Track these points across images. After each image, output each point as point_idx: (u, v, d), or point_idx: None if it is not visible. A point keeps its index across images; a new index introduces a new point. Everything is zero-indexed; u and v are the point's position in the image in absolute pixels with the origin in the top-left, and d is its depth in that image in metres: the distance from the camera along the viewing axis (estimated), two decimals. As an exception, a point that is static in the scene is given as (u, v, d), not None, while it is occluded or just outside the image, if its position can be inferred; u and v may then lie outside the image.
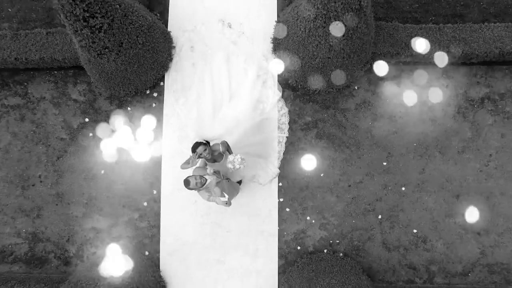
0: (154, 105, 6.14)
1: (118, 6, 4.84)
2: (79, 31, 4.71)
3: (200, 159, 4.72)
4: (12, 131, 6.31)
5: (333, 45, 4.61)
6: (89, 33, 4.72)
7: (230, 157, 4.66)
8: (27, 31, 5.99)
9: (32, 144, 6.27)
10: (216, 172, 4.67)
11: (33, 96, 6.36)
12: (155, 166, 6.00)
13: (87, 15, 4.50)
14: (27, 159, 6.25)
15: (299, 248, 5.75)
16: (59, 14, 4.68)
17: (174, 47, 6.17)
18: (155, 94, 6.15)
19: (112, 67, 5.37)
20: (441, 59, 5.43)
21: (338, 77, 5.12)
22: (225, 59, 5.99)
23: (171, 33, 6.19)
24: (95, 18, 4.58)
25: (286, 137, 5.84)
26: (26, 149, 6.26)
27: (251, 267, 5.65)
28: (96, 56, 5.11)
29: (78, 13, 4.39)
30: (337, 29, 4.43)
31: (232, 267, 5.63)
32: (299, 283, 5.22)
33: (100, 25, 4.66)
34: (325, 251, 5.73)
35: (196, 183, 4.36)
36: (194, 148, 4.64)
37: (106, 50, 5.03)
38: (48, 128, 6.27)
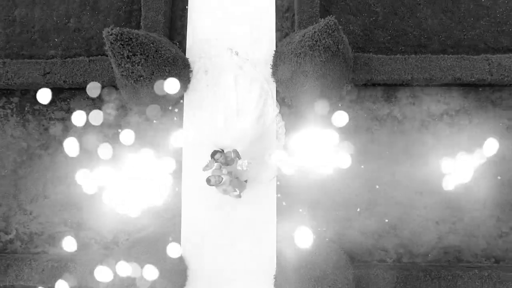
0: (175, 118, 7.53)
1: (152, 44, 6.24)
2: (122, 65, 6.11)
3: (217, 163, 6.10)
4: (59, 139, 7.70)
5: (317, 76, 6.01)
6: (130, 67, 6.12)
7: (239, 162, 6.07)
8: (73, 58, 7.39)
9: (74, 150, 7.63)
10: (229, 173, 6.06)
11: (75, 110, 7.74)
12: (177, 167, 7.38)
13: (131, 54, 5.91)
14: (71, 162, 7.63)
15: (292, 234, 7.14)
16: (108, 53, 6.08)
17: (191, 71, 7.56)
18: (176, 110, 7.54)
19: (144, 90, 6.76)
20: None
21: (323, 106, 6.50)
22: (234, 81, 7.38)
23: (189, 59, 7.59)
24: (135, 56, 5.98)
25: (283, 145, 7.24)
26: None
27: (255, 249, 7.04)
28: (132, 82, 6.51)
29: (124, 54, 5.79)
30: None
31: (240, 249, 7.02)
32: (292, 260, 6.61)
33: (139, 60, 6.07)
34: (313, 236, 7.12)
35: (215, 181, 5.76)
36: (213, 155, 6.03)
37: (141, 78, 6.43)
38: (88, 136, 7.65)
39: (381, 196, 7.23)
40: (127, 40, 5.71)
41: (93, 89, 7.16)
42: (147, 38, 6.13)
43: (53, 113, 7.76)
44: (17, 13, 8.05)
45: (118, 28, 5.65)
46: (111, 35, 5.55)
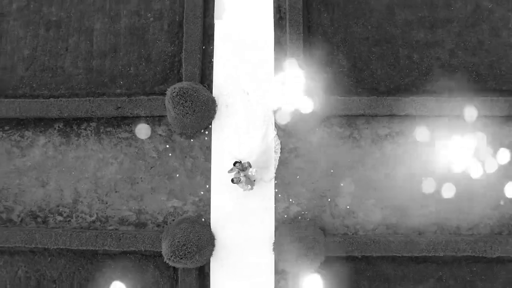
0: (206, 138, 11.02)
1: (195, 94, 9.75)
2: (177, 108, 9.61)
3: (237, 169, 9.59)
4: (124, 152, 11.17)
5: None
6: (182, 109, 9.62)
7: (250, 169, 9.60)
8: (136, 97, 10.85)
9: (135, 159, 11.13)
10: (244, 176, 9.56)
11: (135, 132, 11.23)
12: (208, 171, 10.87)
13: (184, 102, 9.40)
14: (133, 168, 11.11)
15: (285, 216, 10.69)
16: (167, 101, 9.55)
17: (217, 105, 11.07)
18: (206, 132, 11.04)
19: (188, 120, 10.25)
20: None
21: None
22: (245, 113, 10.88)
23: (214, 98, 11.09)
24: (187, 103, 9.49)
25: (279, 156, 10.75)
26: (132, 162, 11.12)
27: (260, 228, 10.55)
28: (182, 117, 9.99)
29: (180, 102, 9.29)
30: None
31: (248, 227, 10.53)
32: (285, 233, 10.13)
33: (189, 105, 9.57)
34: (299, 217, 10.67)
35: (236, 181, 9.26)
36: (234, 164, 9.52)
37: (187, 114, 9.92)
38: (145, 150, 11.14)
39: (344, 192, 10.75)
40: (182, 94, 9.23)
41: (143, 129, 10.74)
42: (193, 89, 9.64)
43: (119, 134, 11.23)
44: (94, 63, 11.52)
45: (178, 87, 9.15)
46: (174, 93, 9.06)
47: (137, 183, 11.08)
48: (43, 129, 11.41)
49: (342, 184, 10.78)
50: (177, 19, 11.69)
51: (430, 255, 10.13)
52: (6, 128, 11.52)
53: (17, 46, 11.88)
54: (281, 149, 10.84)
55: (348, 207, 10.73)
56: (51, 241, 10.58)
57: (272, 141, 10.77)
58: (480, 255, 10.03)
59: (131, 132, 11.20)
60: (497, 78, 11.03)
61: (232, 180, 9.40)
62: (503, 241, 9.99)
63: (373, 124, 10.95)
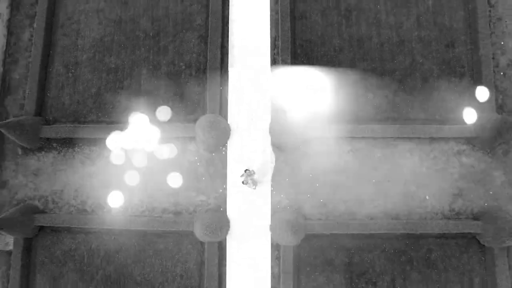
0: (223, 153, 15.76)
1: (217, 124, 14.49)
2: (204, 133, 14.38)
3: (245, 175, 14.33)
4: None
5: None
6: (207, 134, 14.39)
7: (255, 176, 14.40)
8: (175, 124, 15.58)
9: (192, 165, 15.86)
10: (251, 179, 14.31)
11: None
12: (224, 176, 15.61)
13: (209, 135, 14.19)
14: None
15: (278, 206, 15.44)
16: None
17: (231, 130, 15.79)
18: (224, 148, 15.76)
19: (211, 141, 14.96)
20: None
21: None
22: (251, 136, 15.64)
23: (229, 125, 15.81)
24: (211, 129, 14.26)
25: (274, 166, 15.51)
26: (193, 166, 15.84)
27: (260, 215, 15.32)
28: (207, 139, 14.72)
29: (208, 133, 14.06)
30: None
31: (252, 214, 15.30)
32: (278, 218, 14.91)
33: (211, 133, 14.33)
34: (287, 207, 15.43)
35: (245, 182, 14.03)
36: (244, 171, 14.27)
37: (211, 137, 14.66)
38: (181, 161, 15.86)
39: (319, 190, 15.52)
40: (208, 123, 13.98)
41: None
42: (215, 120, 14.40)
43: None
44: (142, 99, 16.21)
45: (205, 119, 13.90)
46: (203, 123, 13.82)
47: (174, 183, 15.81)
48: (105, 145, 16.09)
49: (317, 185, 15.56)
50: (201, 67, 16.44)
51: (376, 232, 14.93)
52: (80, 145, 16.22)
53: (87, 85, 16.59)
54: (275, 160, 15.62)
55: (321, 200, 15.51)
56: (116, 224, 15.29)
57: (269, 155, 15.55)
58: (410, 232, 14.84)
59: (171, 148, 15.91)
60: (425, 111, 15.88)
61: (242, 182, 14.18)
62: (424, 223, 14.81)
63: (340, 143, 15.74)
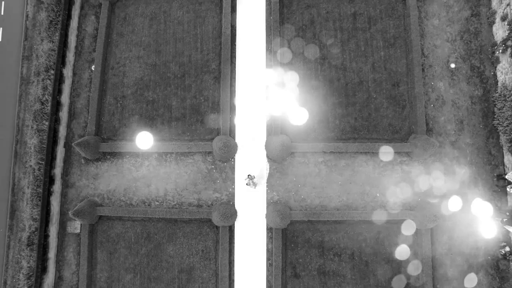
0: (232, 163, 21.93)
1: (228, 142, 20.70)
2: (219, 150, 20.59)
3: (248, 178, 20.47)
4: (190, 169, 22.05)
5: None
6: (222, 150, 20.57)
7: (255, 179, 20.59)
8: (196, 142, 21.77)
9: (196, 173, 22.01)
10: (252, 181, 20.44)
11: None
12: (233, 180, 21.76)
13: (223, 151, 20.40)
14: (195, 177, 21.98)
15: (271, 201, 21.63)
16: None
17: (238, 147, 21.96)
18: (233, 160, 21.95)
19: (224, 155, 21.15)
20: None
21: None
22: (252, 150, 21.84)
23: (237, 143, 21.99)
24: (225, 147, 20.48)
25: (268, 172, 21.68)
26: (194, 175, 21.99)
27: (258, 207, 21.50)
28: (221, 153, 20.91)
29: (222, 150, 20.27)
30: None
31: (253, 206, 21.48)
32: (271, 209, 21.17)
33: (225, 149, 20.54)
34: (277, 201, 21.63)
35: (248, 184, 20.17)
36: (248, 175, 20.41)
37: (224, 153, 20.86)
38: (201, 169, 22.00)
39: (301, 189, 21.70)
40: (222, 143, 20.18)
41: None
42: (227, 140, 20.59)
43: (188, 160, 22.16)
44: (173, 124, 22.39)
45: (220, 140, 20.13)
46: (219, 142, 20.03)
47: (197, 184, 21.97)
48: (147, 156, 22.22)
49: (299, 185, 21.75)
50: (216, 101, 22.60)
51: (341, 219, 21.10)
52: (127, 156, 22.34)
53: (131, 113, 22.72)
54: (269, 168, 21.81)
55: (302, 196, 21.69)
56: (155, 214, 21.41)
57: (265, 165, 21.75)
58: (365, 219, 21.01)
59: (193, 156, 22.09)
60: (376, 133, 22.13)
61: (246, 184, 20.36)
62: (375, 213, 20.98)
63: (315, 156, 21.94)
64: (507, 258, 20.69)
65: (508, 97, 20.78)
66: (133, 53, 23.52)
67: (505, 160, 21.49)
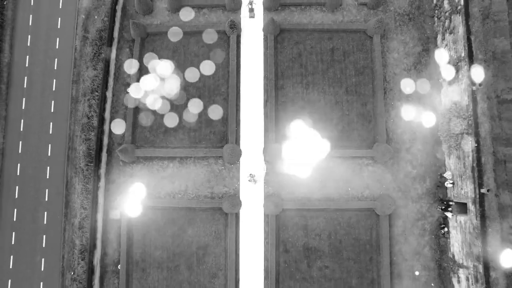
0: (238, 164, 28.52)
1: (234, 149, 27.31)
2: (228, 155, 27.19)
3: (250, 176, 27.03)
4: (205, 169, 28.61)
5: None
6: (230, 155, 27.17)
7: (255, 177, 27.22)
8: (211, 149, 28.40)
9: (210, 172, 28.61)
10: (253, 178, 26.99)
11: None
12: (238, 177, 28.33)
13: (231, 156, 27.02)
14: (209, 176, 28.55)
15: (268, 193, 28.22)
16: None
17: (241, 152, 28.57)
18: (238, 162, 28.53)
19: (231, 159, 27.75)
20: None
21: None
22: (253, 154, 28.45)
23: (241, 149, 28.60)
24: (233, 152, 27.09)
25: (265, 172, 28.25)
26: (209, 174, 28.56)
27: (258, 198, 28.10)
28: (229, 158, 27.52)
29: (230, 155, 26.88)
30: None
31: (253, 198, 28.08)
32: (267, 200, 27.76)
33: (232, 154, 27.14)
34: (273, 194, 28.23)
35: (250, 180, 26.74)
36: (249, 174, 26.98)
37: (232, 158, 27.45)
38: (213, 169, 28.58)
39: (292, 186, 28.28)
40: (230, 149, 26.78)
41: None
42: (234, 147, 27.19)
43: (203, 163, 28.79)
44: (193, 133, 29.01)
45: (228, 147, 26.72)
46: (227, 149, 26.65)
47: (210, 181, 28.54)
48: (171, 160, 28.77)
49: (289, 182, 28.33)
50: (225, 116, 29.14)
51: (321, 208, 27.70)
52: (157, 160, 28.89)
53: (159, 127, 29.27)
54: (266, 168, 28.40)
55: (291, 190, 28.27)
56: (178, 204, 27.93)
57: (263, 166, 28.36)
58: (340, 208, 27.62)
59: (207, 159, 28.65)
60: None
61: (248, 180, 26.98)
62: (347, 203, 27.62)
63: (300, 160, 28.53)
64: (445, 236, 27.37)
65: (445, 115, 27.49)
66: (159, 80, 30.01)
67: (446, 163, 28.20)
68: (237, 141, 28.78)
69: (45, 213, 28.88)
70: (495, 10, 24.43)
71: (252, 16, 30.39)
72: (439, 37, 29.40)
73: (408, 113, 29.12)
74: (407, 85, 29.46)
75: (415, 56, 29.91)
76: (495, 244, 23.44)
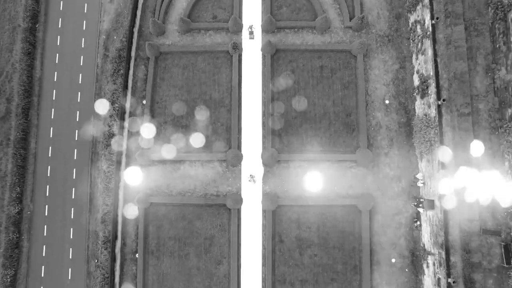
0: (240, 167, 33.06)
1: (238, 154, 31.85)
2: (231, 159, 31.76)
3: (251, 177, 31.52)
4: (212, 171, 33.18)
5: (270, 161, 31.76)
6: (234, 160, 31.73)
7: (255, 177, 31.76)
8: (217, 154, 32.97)
9: (216, 173, 33.15)
10: (253, 179, 31.49)
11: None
12: (240, 178, 32.86)
13: (234, 160, 31.58)
14: (215, 176, 33.14)
15: (265, 192, 32.77)
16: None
17: (243, 156, 33.13)
18: (240, 165, 33.08)
19: (234, 162, 32.27)
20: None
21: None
22: (254, 159, 33.00)
23: (242, 154, 33.14)
24: (236, 156, 31.67)
25: (263, 173, 32.78)
26: (215, 174, 33.14)
27: (256, 196, 32.64)
28: (233, 161, 32.03)
29: (234, 159, 31.46)
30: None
31: (253, 195, 32.62)
32: (265, 197, 32.33)
33: (235, 158, 31.70)
34: (269, 192, 32.79)
35: (250, 180, 31.24)
36: (250, 175, 31.47)
37: (235, 161, 32.00)
38: (219, 170, 33.13)
39: (285, 186, 32.86)
40: (233, 154, 31.36)
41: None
42: (236, 152, 31.76)
43: (217, 166, 33.35)
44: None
45: (231, 152, 31.29)
46: (230, 153, 31.22)
47: (216, 181, 33.08)
48: (182, 163, 33.28)
49: (283, 182, 32.85)
50: (229, 125, 33.67)
51: (311, 204, 32.23)
52: (169, 163, 33.41)
53: (171, 134, 33.80)
54: (264, 170, 32.91)
55: (285, 189, 32.79)
56: (188, 201, 32.46)
57: (261, 168, 32.88)
58: (327, 203, 32.19)
59: (213, 162, 33.20)
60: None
61: (248, 180, 31.50)
62: (334, 200, 32.19)
63: (294, 163, 33.06)
64: (418, 229, 31.92)
65: (418, 125, 32.06)
66: (171, 92, 34.58)
67: (418, 166, 32.77)
68: (239, 146, 33.29)
69: (72, 209, 33.36)
70: (455, 37, 28.95)
71: (252, 38, 34.91)
72: (414, 56, 33.97)
73: (387, 122, 33.66)
74: (386, 97, 34.00)
75: (393, 73, 34.47)
76: (454, 234, 27.99)
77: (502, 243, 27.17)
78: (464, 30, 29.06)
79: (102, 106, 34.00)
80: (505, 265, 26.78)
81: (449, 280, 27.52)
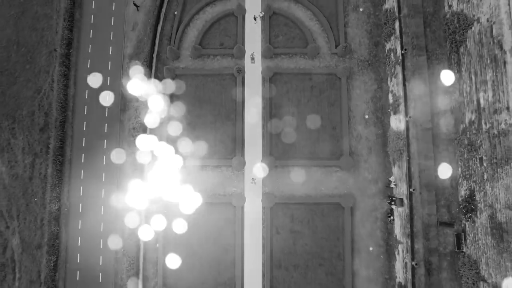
0: (243, 171, 39.57)
1: (241, 158, 38.37)
2: (235, 165, 38.28)
3: (252, 179, 37.96)
4: (220, 175, 39.67)
5: (268, 166, 38.29)
6: (237, 164, 38.24)
7: (256, 179, 38.24)
8: (222, 159, 39.46)
9: (223, 177, 39.65)
10: (254, 181, 37.91)
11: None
12: (243, 180, 39.34)
13: (238, 165, 38.11)
14: (223, 179, 39.61)
15: (264, 192, 39.27)
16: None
17: (245, 163, 39.62)
18: (243, 170, 39.59)
19: (238, 167, 38.79)
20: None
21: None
22: (256, 164, 39.52)
23: (245, 160, 39.65)
24: (240, 163, 38.18)
25: (262, 177, 39.27)
26: (222, 178, 39.61)
27: (257, 195, 39.14)
28: (237, 166, 38.52)
29: (238, 165, 37.99)
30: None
31: (254, 194, 39.12)
32: (265, 196, 38.85)
33: (239, 164, 38.23)
34: (268, 192, 39.30)
35: (252, 182, 37.68)
36: (252, 178, 37.92)
37: (238, 166, 38.52)
38: (225, 174, 39.63)
39: (282, 187, 39.36)
40: (238, 160, 37.86)
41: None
42: (239, 158, 38.29)
43: (221, 169, 39.83)
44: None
45: (236, 159, 37.83)
46: (235, 159, 37.71)
47: (223, 183, 39.55)
48: (195, 168, 39.76)
49: (280, 183, 39.35)
50: (234, 136, 40.17)
51: (302, 202, 38.75)
52: (182, 169, 39.86)
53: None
54: (263, 174, 39.40)
55: (281, 189, 39.29)
56: (200, 200, 38.92)
57: (262, 172, 39.39)
58: (315, 201, 38.70)
59: (220, 168, 39.67)
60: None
61: (250, 183, 38.00)
62: (322, 198, 38.72)
63: (288, 168, 39.59)
64: (391, 223, 38.54)
65: (391, 136, 38.66)
66: (185, 108, 41.02)
67: (392, 170, 39.38)
68: (242, 154, 39.76)
69: (102, 206, 39.68)
70: (419, 65, 35.61)
71: (253, 62, 41.45)
72: (389, 79, 40.59)
73: (366, 133, 40.26)
74: (366, 113, 40.60)
75: (372, 92, 41.08)
76: (418, 226, 34.58)
77: (455, 233, 33.85)
78: (427, 60, 35.71)
79: (127, 118, 40.47)
80: (456, 250, 33.46)
81: (413, 263, 34.11)
